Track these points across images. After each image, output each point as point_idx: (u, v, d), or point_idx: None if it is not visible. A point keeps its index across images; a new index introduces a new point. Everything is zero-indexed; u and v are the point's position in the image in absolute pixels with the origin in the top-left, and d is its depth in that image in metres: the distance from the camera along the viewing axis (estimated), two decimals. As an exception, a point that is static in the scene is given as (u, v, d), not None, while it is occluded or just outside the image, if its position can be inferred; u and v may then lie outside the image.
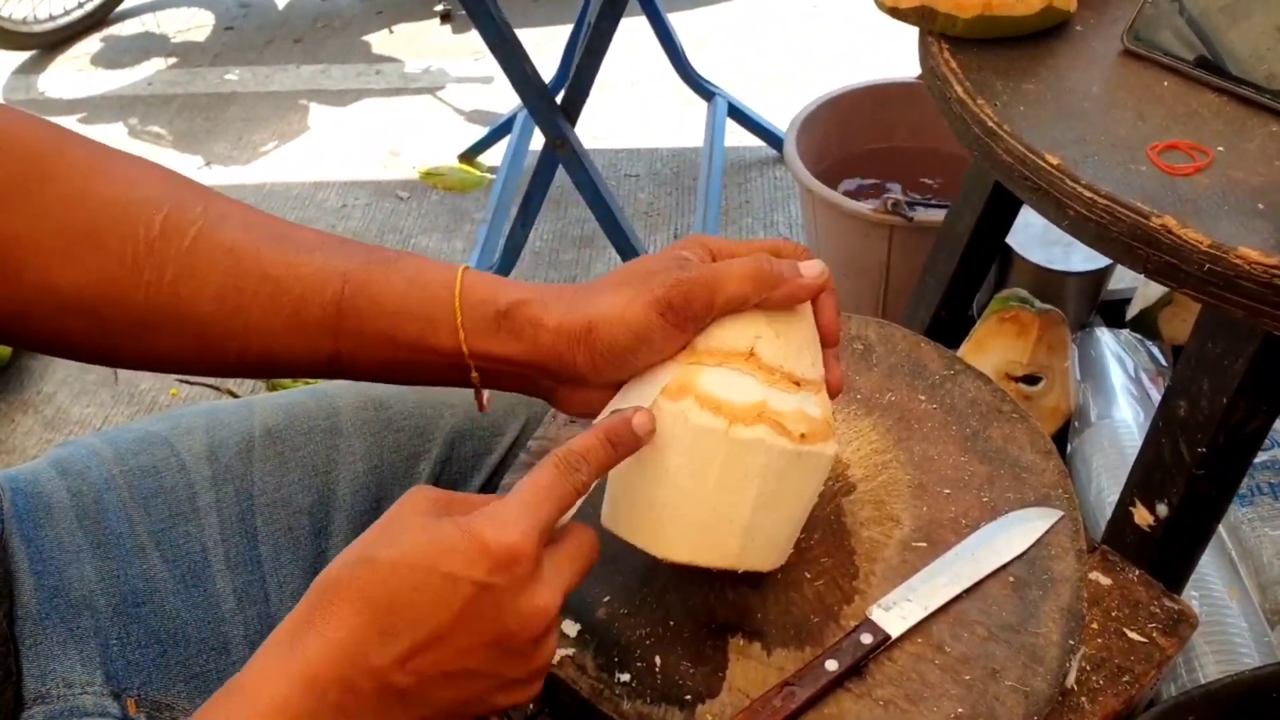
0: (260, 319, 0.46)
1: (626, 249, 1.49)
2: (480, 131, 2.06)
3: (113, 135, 2.24)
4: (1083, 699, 0.57)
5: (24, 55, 2.53)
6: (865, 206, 1.30)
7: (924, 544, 0.57)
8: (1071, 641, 0.53)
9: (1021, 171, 0.63)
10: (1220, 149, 0.60)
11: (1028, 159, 0.62)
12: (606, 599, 0.57)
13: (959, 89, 0.68)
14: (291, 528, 0.60)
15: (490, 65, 2.34)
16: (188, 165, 2.12)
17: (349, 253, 0.48)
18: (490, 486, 0.66)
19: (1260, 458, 0.89)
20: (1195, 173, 0.58)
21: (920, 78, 0.76)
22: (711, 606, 0.55)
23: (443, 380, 0.49)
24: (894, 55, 2.03)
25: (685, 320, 0.47)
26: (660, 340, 0.47)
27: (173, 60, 2.52)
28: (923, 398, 0.65)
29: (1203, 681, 0.76)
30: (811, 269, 0.49)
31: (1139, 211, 0.56)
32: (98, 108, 2.35)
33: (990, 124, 0.65)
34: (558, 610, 0.42)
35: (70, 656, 0.49)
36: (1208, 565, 0.81)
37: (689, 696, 0.52)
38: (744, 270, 0.47)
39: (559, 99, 1.42)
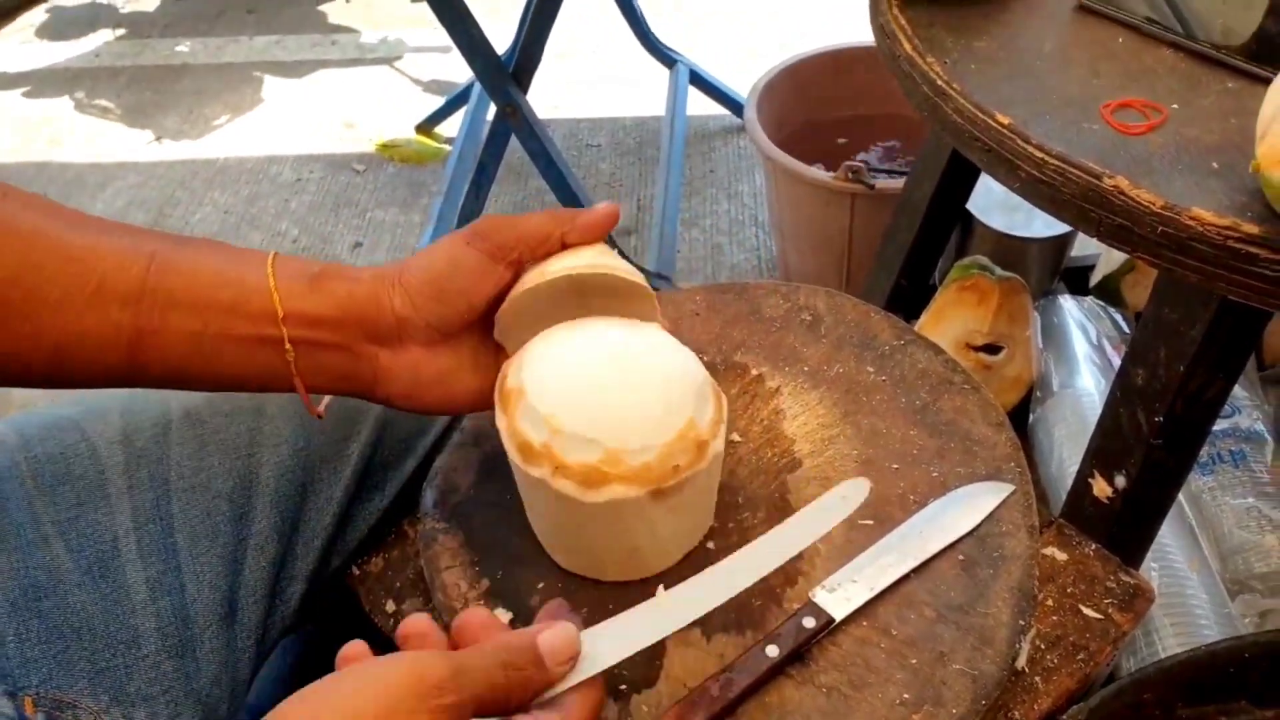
0: (59, 298, 0.45)
1: (585, 221, 1.46)
2: (438, 102, 2.01)
3: (59, 109, 2.17)
4: (1036, 679, 0.55)
5: (-35, 28, 2.45)
6: (826, 175, 1.27)
7: (871, 521, 0.55)
8: (1022, 622, 0.51)
9: (971, 132, 0.60)
10: (1174, 106, 0.57)
11: (978, 119, 0.60)
12: (540, 585, 0.54)
13: (907, 46, 0.65)
14: (210, 513, 0.57)
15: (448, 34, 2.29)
16: (137, 140, 2.06)
17: (157, 235, 0.48)
18: (423, 469, 0.63)
19: (1221, 425, 0.87)
20: (1148, 131, 0.56)
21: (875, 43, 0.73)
22: (650, 592, 0.53)
23: (255, 365, 0.49)
24: (858, 21, 1.99)
25: (493, 247, 0.50)
26: (474, 265, 0.49)
27: (121, 31, 2.45)
28: (871, 369, 0.63)
29: (1162, 655, 0.75)
30: (603, 205, 0.53)
31: (1090, 172, 0.54)
32: (43, 81, 2.28)
33: (939, 82, 0.62)
34: None
35: None
36: (1168, 536, 0.79)
37: (623, 687, 0.50)
38: (543, 214, 0.52)
39: (510, 66, 1.38)
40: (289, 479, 0.60)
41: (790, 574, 0.53)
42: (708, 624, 0.52)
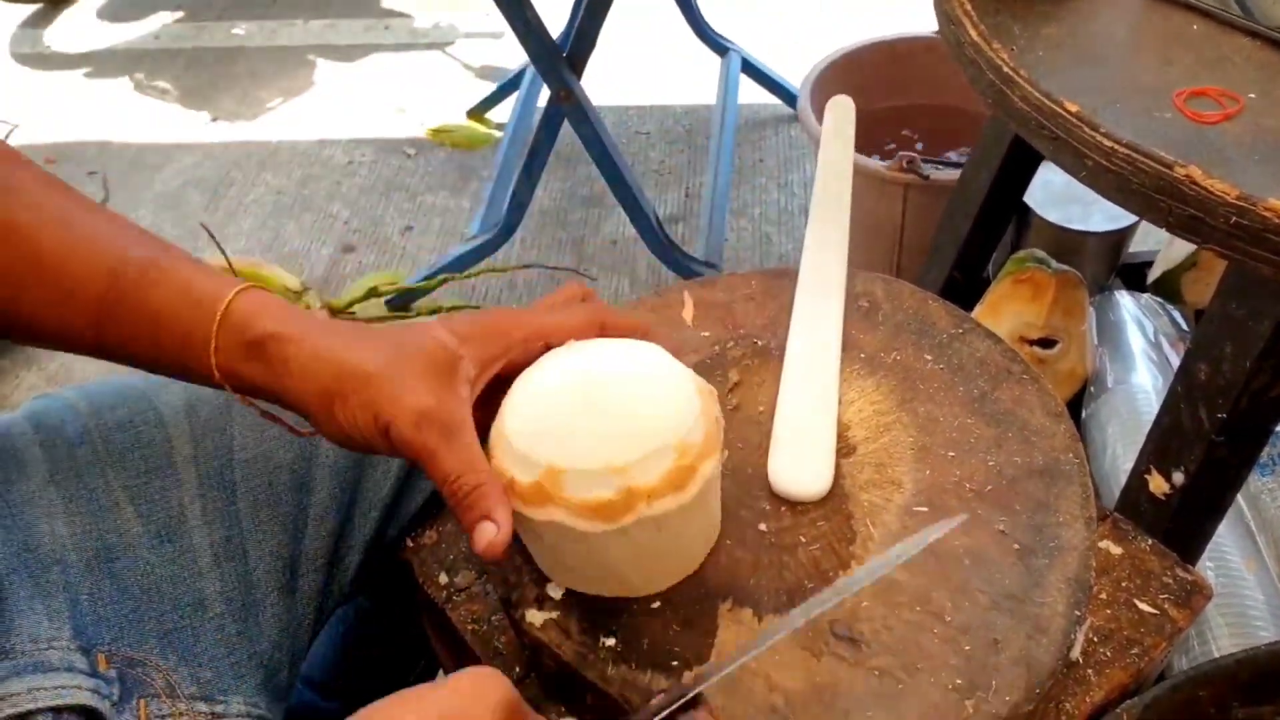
0: (29, 296, 0.46)
1: (634, 208, 1.46)
2: (489, 88, 2.02)
3: (119, 90, 2.22)
4: (1089, 671, 0.55)
5: (29, 8, 2.50)
6: (880, 164, 1.26)
7: (925, 509, 0.55)
8: (1078, 612, 0.50)
9: (1038, 120, 0.60)
10: (1252, 96, 0.56)
11: (1045, 106, 0.59)
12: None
13: (973, 32, 0.64)
14: (271, 483, 0.59)
15: (501, 20, 2.29)
16: (194, 120, 2.10)
17: (128, 249, 0.47)
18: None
19: (1282, 425, 0.85)
20: (1224, 120, 0.55)
21: (938, 30, 0.73)
22: (701, 571, 0.53)
23: (214, 387, 0.48)
24: (913, 10, 1.97)
25: (477, 374, 0.48)
26: (445, 416, 0.45)
27: (179, 14, 2.49)
28: (929, 357, 0.62)
29: (1216, 654, 0.74)
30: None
31: (1161, 161, 0.53)
32: (103, 62, 2.32)
33: (1006, 70, 0.61)
34: None
35: (37, 611, 0.47)
36: (1224, 536, 0.78)
37: (675, 663, 0.50)
38: (531, 323, 0.50)
39: (565, 51, 1.38)
40: (346, 450, 0.61)
41: (844, 558, 0.53)
42: (759, 605, 0.52)
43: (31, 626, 0.46)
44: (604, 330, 0.51)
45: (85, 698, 0.45)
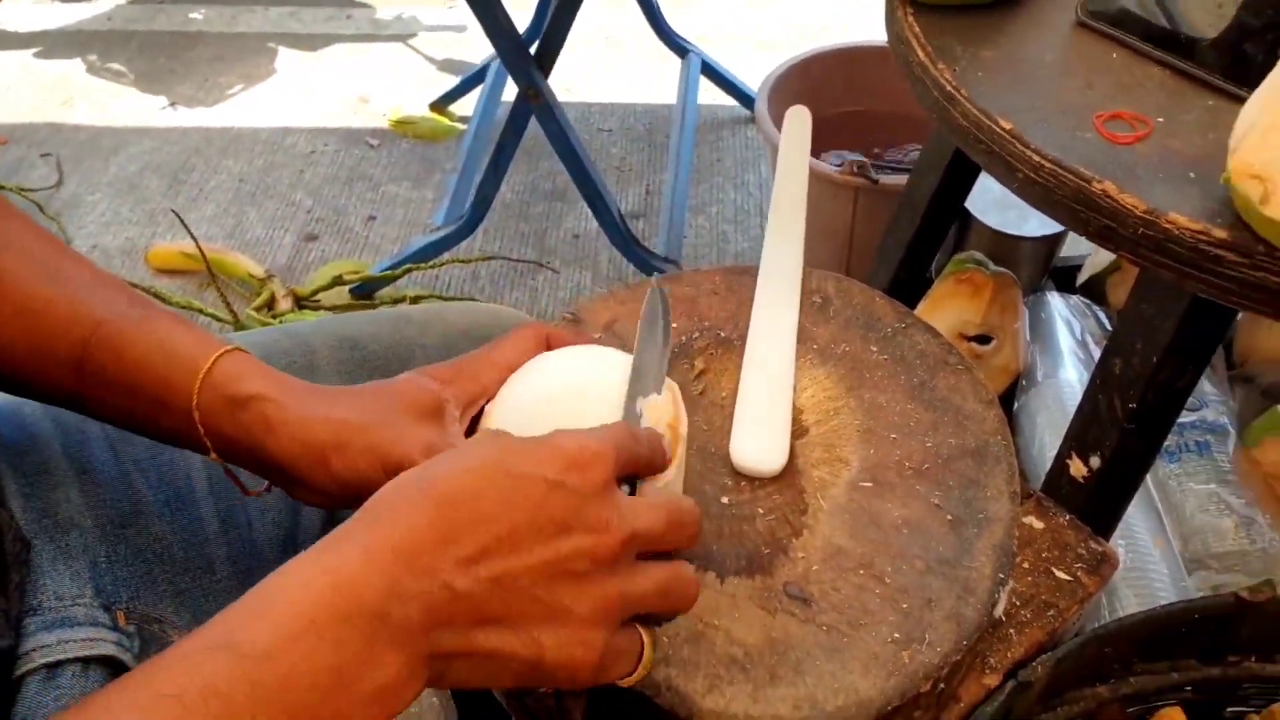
0: (9, 344, 0.48)
1: (598, 203, 1.51)
2: (452, 80, 2.05)
3: (72, 71, 2.20)
4: (1011, 630, 0.62)
5: (-19, -14, 2.47)
6: (832, 169, 1.32)
7: (870, 484, 0.61)
8: (1001, 575, 0.57)
9: (976, 135, 0.66)
10: (1160, 120, 0.63)
11: (982, 123, 0.65)
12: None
13: (920, 53, 0.71)
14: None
15: (462, 14, 2.33)
16: (151, 105, 2.09)
17: (111, 300, 0.49)
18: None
19: (1189, 417, 0.94)
20: (1135, 141, 0.62)
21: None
22: (669, 538, 0.59)
23: (187, 444, 0.50)
24: (872, 21, 2.04)
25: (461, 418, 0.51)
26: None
27: (133, -4, 2.47)
28: (875, 349, 0.68)
29: (1124, 620, 0.81)
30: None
31: (1082, 176, 0.60)
32: (55, 42, 2.30)
33: (949, 88, 0.68)
34: (627, 543, 0.38)
35: (60, 572, 0.51)
36: (1135, 516, 0.86)
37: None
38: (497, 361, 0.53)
39: (533, 49, 1.43)
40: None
41: (796, 527, 0.59)
42: (721, 568, 0.57)
43: (56, 585, 0.50)
44: (549, 344, 0.56)
45: (110, 649, 0.49)
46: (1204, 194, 0.57)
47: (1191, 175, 0.58)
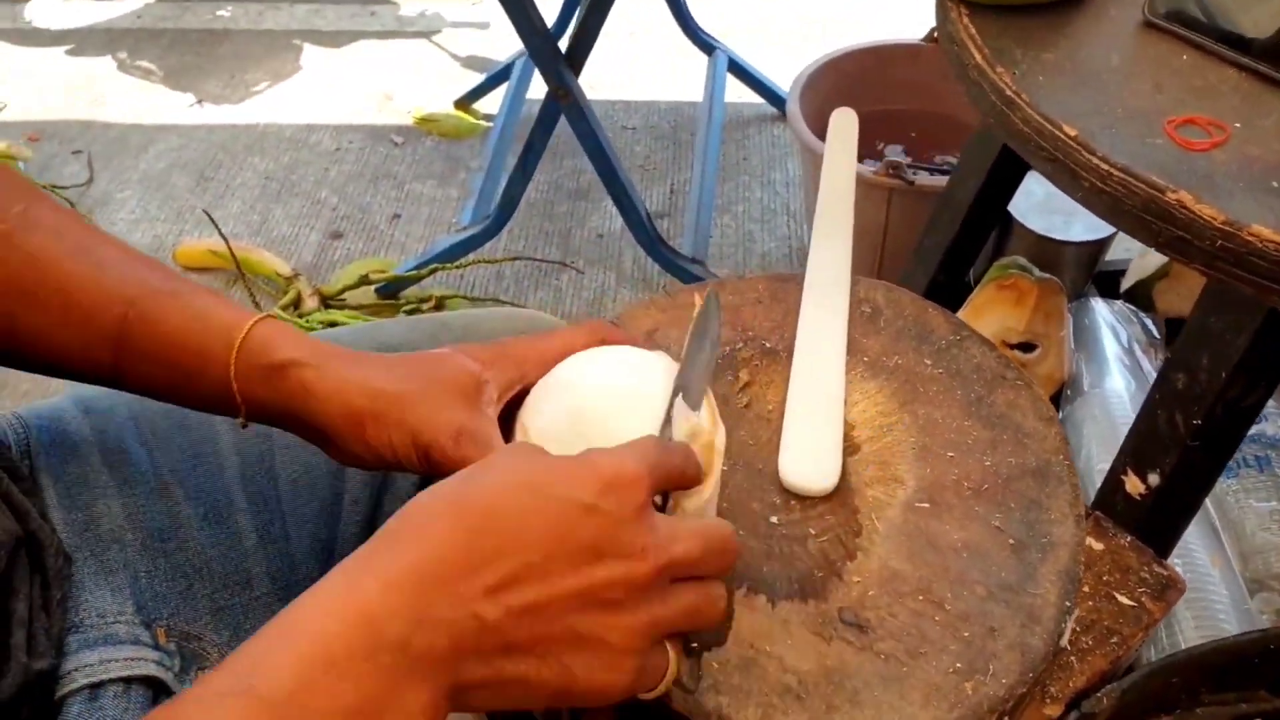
0: (48, 325, 0.47)
1: (626, 203, 1.49)
2: (476, 78, 2.03)
3: (102, 69, 2.20)
4: (1073, 658, 0.59)
5: (9, -17, 2.47)
6: (865, 168, 1.30)
7: (927, 504, 0.58)
8: (1068, 603, 0.54)
9: (1038, 142, 0.63)
10: (1237, 125, 0.60)
11: (1045, 129, 0.62)
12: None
13: (978, 55, 0.68)
14: (309, 469, 0.61)
15: (487, 10, 2.31)
16: (178, 102, 2.09)
17: (144, 278, 0.49)
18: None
19: (1248, 431, 0.90)
20: (1211, 149, 0.59)
21: (925, 39, 0.76)
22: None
23: (222, 412, 0.50)
24: (899, 16, 2.01)
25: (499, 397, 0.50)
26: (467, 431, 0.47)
27: (162, -7, 2.47)
28: (929, 362, 0.66)
29: (1182, 645, 0.78)
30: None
31: (1154, 186, 0.57)
32: (85, 40, 2.30)
33: (1009, 92, 0.65)
34: (662, 571, 0.37)
35: (101, 587, 0.49)
36: (1192, 534, 0.83)
37: (695, 644, 0.53)
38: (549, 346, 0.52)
39: (563, 47, 1.40)
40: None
41: (850, 549, 0.57)
42: (772, 592, 0.55)
43: (98, 602, 0.48)
44: (605, 344, 0.54)
45: (152, 669, 0.47)
46: (1287, 204, 0.54)
47: (1274, 184, 0.55)
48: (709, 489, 0.50)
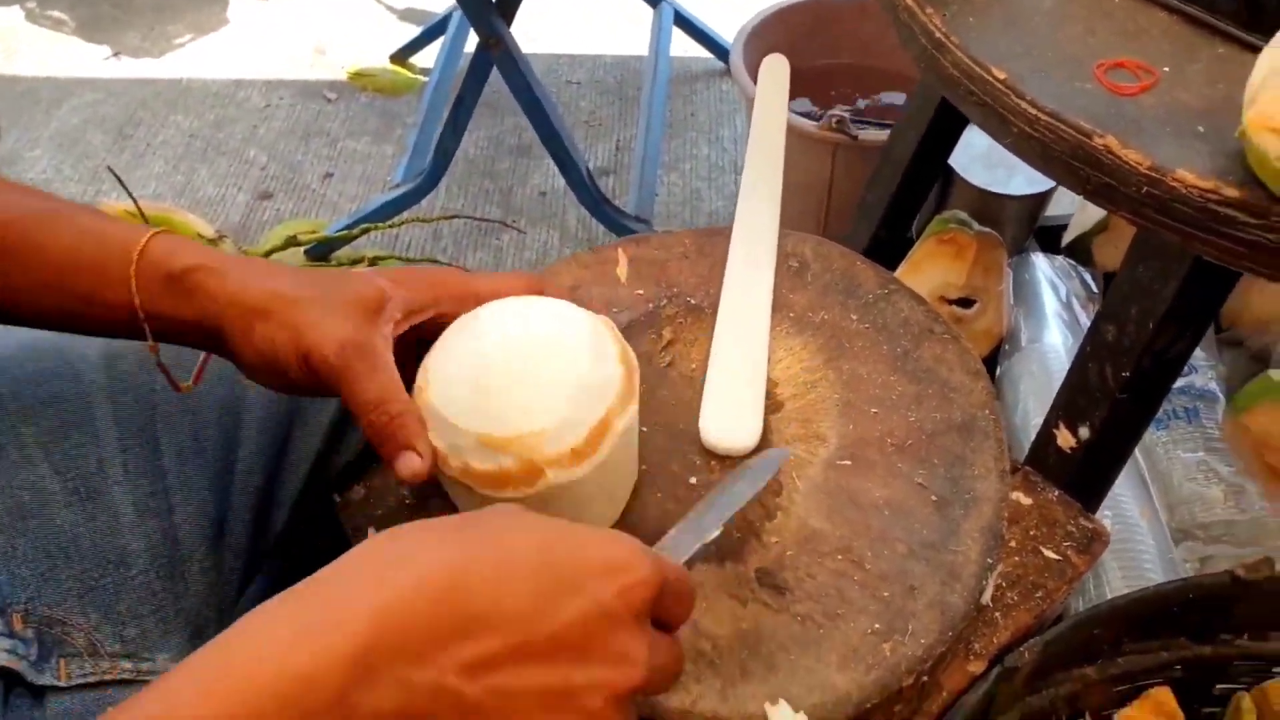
0: None
1: (566, 160, 1.45)
2: (413, 31, 1.97)
3: (9, 19, 2.09)
4: (997, 614, 0.58)
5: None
6: (809, 123, 1.27)
7: (849, 462, 0.57)
8: (990, 560, 0.53)
9: (967, 85, 0.61)
10: (1166, 69, 0.58)
11: (974, 73, 0.60)
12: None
13: (907, -4, 0.66)
14: (197, 437, 0.58)
15: (424, -39, 2.23)
16: (93, 55, 1.99)
17: (22, 200, 0.47)
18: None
19: (1177, 383, 0.90)
20: (1140, 93, 0.57)
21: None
22: (631, 523, 0.55)
23: (121, 334, 0.49)
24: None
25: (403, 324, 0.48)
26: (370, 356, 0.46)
27: (77, -61, 2.35)
28: (855, 317, 0.64)
29: (1109, 595, 0.78)
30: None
31: (1082, 130, 0.55)
32: (-6, -12, 2.19)
33: (938, 35, 0.63)
34: (643, 686, 0.33)
35: None
36: (1122, 486, 0.83)
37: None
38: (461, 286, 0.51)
39: (495, -3, 1.35)
40: (277, 404, 0.60)
41: (770, 509, 0.55)
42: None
43: None
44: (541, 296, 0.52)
45: (3, 659, 0.44)
46: (1214, 149, 0.52)
47: (1201, 129, 0.54)
48: (605, 451, 0.48)
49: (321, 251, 1.51)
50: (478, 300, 0.50)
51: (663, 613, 0.36)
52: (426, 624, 0.30)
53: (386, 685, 0.30)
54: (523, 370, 0.47)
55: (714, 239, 0.70)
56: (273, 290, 0.46)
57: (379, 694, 0.30)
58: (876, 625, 0.50)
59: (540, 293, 0.51)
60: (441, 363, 0.48)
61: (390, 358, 0.46)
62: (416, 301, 0.49)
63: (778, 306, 0.65)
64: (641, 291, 0.66)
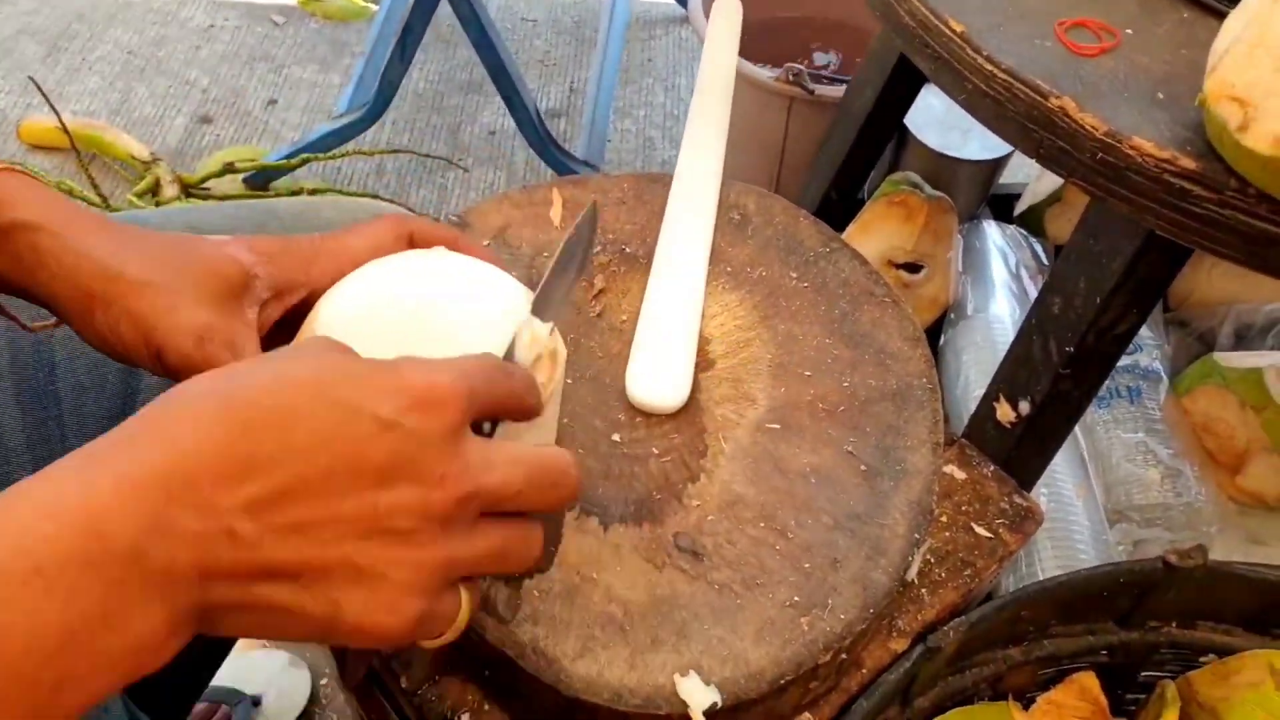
0: None
1: (514, 98, 1.40)
2: (367, -44, 1.89)
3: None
4: (923, 590, 0.57)
5: None
6: (766, 74, 1.23)
7: (777, 426, 0.54)
8: (917, 535, 0.51)
9: (923, 37, 0.58)
10: (1129, 31, 0.56)
11: (931, 24, 0.57)
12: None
13: (868, -61, 0.62)
14: (98, 363, 0.53)
15: (384, -117, 2.13)
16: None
17: None
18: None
19: (1122, 361, 0.89)
20: (1100, 54, 0.54)
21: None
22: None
23: None
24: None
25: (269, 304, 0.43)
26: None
27: None
28: (794, 274, 0.61)
29: (1041, 575, 0.78)
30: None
31: (1038, 90, 0.52)
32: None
33: (896, -19, 0.59)
34: (464, 501, 0.32)
35: None
36: (1059, 463, 0.82)
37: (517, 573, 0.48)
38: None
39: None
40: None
41: (693, 470, 0.53)
42: (605, 514, 0.51)
43: None
44: (413, 241, 0.47)
45: None
46: (1173, 118, 0.50)
47: (1160, 96, 0.51)
48: (548, 411, 0.44)
49: (259, 180, 1.45)
50: (354, 265, 0.45)
51: (500, 413, 0.35)
52: (213, 470, 0.29)
53: (178, 535, 0.28)
54: (425, 332, 0.43)
55: (654, 185, 0.66)
56: (114, 271, 0.39)
57: (170, 544, 0.28)
58: (796, 598, 0.48)
59: (411, 239, 0.46)
60: (324, 330, 0.42)
61: (256, 346, 0.41)
62: (285, 279, 0.43)
63: (715, 260, 0.62)
64: (574, 237, 0.63)
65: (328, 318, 0.43)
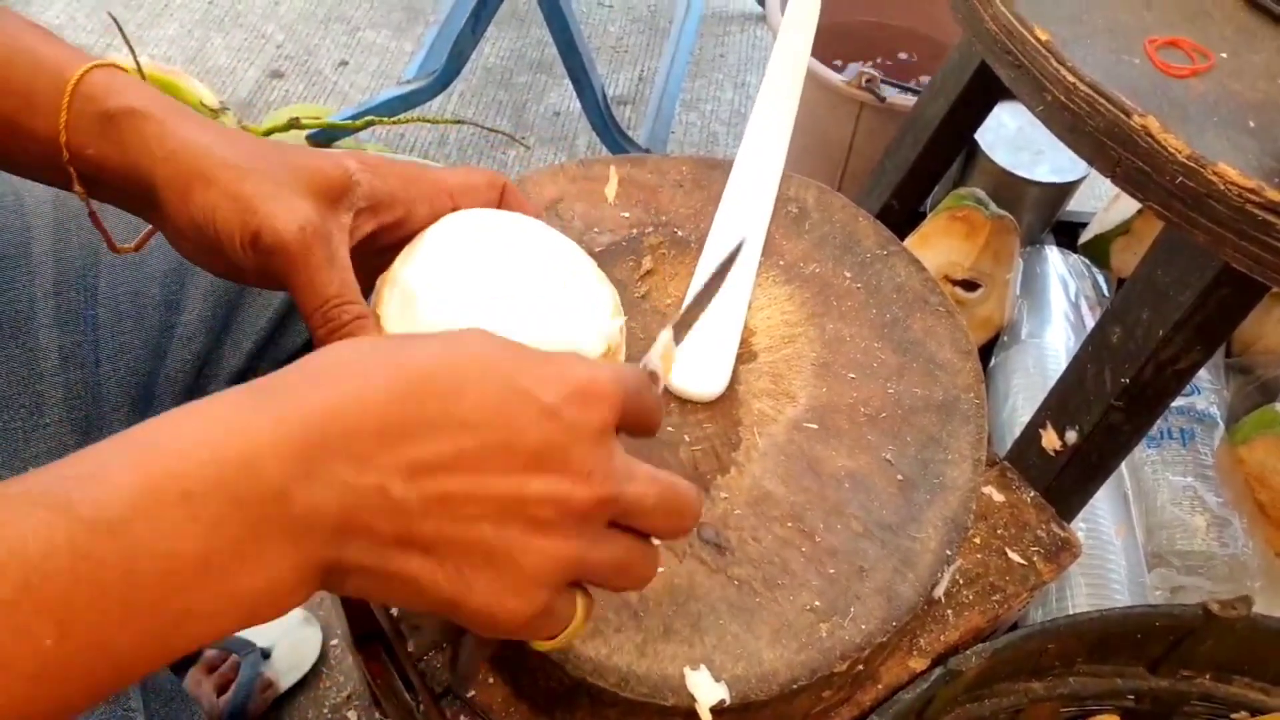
0: None
1: (582, 80, 1.39)
2: (452, -73, 1.89)
3: None
4: (949, 611, 0.55)
5: None
6: (838, 78, 1.21)
7: (815, 425, 0.53)
8: (949, 552, 0.50)
9: (1005, 44, 0.56)
10: (1224, 55, 0.53)
11: (1015, 30, 0.55)
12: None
13: (958, -61, 0.60)
14: (138, 293, 0.54)
15: None
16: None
17: None
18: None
19: (1178, 402, 0.86)
20: (1191, 76, 0.52)
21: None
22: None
23: (46, 181, 0.43)
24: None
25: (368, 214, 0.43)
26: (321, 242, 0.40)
27: None
28: (848, 274, 0.60)
29: (1072, 610, 0.75)
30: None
31: (1121, 107, 0.50)
32: None
33: (984, -16, 0.57)
34: (605, 503, 0.32)
35: None
36: (1101, 499, 0.79)
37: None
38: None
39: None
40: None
41: (724, 462, 0.51)
42: (631, 499, 0.50)
43: None
44: (502, 199, 0.47)
45: None
46: (1263, 148, 0.48)
47: (1251, 124, 0.49)
48: None
49: (323, 139, 1.45)
50: (450, 199, 0.45)
51: (630, 424, 0.34)
52: (375, 425, 0.28)
53: (327, 484, 0.28)
54: (523, 300, 0.43)
55: (713, 171, 0.65)
56: (220, 156, 0.39)
57: (318, 492, 0.27)
58: (817, 603, 0.47)
59: (503, 191, 0.46)
60: (433, 268, 0.43)
61: (347, 253, 0.41)
62: (386, 193, 0.43)
63: (768, 252, 0.60)
64: (628, 215, 0.62)
65: (415, 267, 0.43)
